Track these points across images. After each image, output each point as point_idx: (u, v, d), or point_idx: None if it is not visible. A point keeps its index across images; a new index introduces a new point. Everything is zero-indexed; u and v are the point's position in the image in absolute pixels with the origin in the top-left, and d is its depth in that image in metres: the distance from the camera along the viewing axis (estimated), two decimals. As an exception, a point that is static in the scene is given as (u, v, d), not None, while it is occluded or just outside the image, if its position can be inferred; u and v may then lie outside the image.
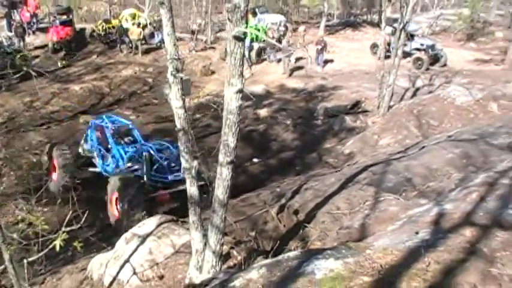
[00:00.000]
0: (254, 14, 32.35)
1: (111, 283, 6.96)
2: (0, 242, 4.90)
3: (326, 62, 27.71)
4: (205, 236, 5.98)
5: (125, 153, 12.28)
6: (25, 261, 5.18)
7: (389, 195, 8.51)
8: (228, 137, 4.89)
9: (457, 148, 10.30)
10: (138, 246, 7.21)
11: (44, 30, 29.86)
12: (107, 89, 23.72)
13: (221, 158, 5.05)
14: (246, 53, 26.05)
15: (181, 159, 5.70)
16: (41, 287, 7.87)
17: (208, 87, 23.98)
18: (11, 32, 28.39)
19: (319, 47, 26.62)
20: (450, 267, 3.84)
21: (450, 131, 13.19)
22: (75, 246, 5.07)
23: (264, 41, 25.68)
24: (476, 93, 16.86)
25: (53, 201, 10.58)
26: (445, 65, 27.36)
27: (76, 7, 35.89)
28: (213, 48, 30.44)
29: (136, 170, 11.61)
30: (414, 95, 20.46)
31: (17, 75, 14.10)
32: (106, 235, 10.04)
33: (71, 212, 5.09)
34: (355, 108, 19.19)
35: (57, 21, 28.73)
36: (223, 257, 6.12)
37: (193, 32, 30.97)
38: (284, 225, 8.73)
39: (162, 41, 29.88)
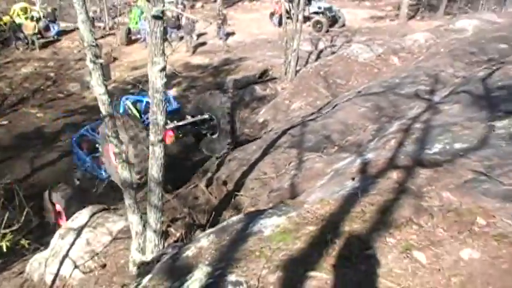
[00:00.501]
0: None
1: (53, 281, 6.85)
2: None
3: (228, 34, 27.78)
4: (142, 217, 6.04)
5: None
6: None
7: (312, 153, 8.85)
8: (157, 115, 4.95)
9: (367, 102, 10.79)
10: (75, 240, 7.13)
11: None
12: (8, 89, 22.60)
13: (152, 137, 5.11)
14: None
15: (111, 144, 5.69)
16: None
17: (113, 74, 23.48)
18: None
19: (219, 20, 26.64)
20: (385, 206, 4.14)
21: (358, 87, 13.73)
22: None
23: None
24: (377, 48, 17.57)
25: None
26: (343, 25, 28.23)
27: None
28: (113, 34, 29.72)
29: None
30: (318, 57, 20.97)
31: None
32: (36, 235, 9.78)
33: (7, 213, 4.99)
34: (263, 77, 19.40)
35: None
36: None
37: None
38: (215, 197, 8.90)
39: (58, 33, 28.92)
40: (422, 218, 3.89)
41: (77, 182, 12.10)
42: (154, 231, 5.73)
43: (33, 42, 27.11)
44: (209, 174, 9.93)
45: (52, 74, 24.47)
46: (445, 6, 30.51)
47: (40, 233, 10.16)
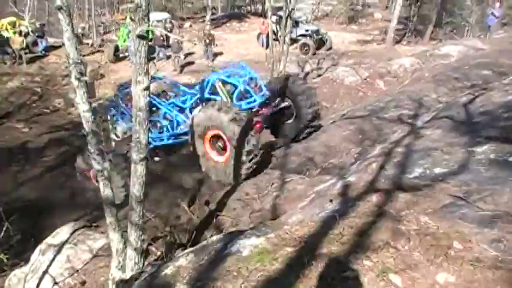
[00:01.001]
0: (133, 13, 31.92)
1: (32, 297, 6.81)
2: None
3: (215, 55, 27.97)
4: (123, 235, 6.02)
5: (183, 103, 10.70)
6: None
7: (295, 175, 8.90)
8: (140, 134, 4.96)
9: (352, 125, 10.90)
10: (55, 256, 7.09)
11: None
12: (-7, 103, 22.58)
13: (134, 155, 5.12)
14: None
15: (93, 162, 5.67)
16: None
17: (100, 91, 23.45)
18: None
19: (207, 40, 26.83)
20: (363, 229, 4.17)
21: (343, 110, 13.85)
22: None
23: (151, 40, 25.43)
24: (363, 72, 17.81)
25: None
26: (330, 48, 28.54)
27: None
28: (101, 51, 29.78)
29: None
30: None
31: None
32: (16, 251, 9.67)
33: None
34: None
35: None
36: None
37: (77, 37, 30.07)
38: (197, 217, 8.87)
39: (46, 48, 28.90)
40: (399, 241, 3.93)
41: (117, 138, 11.68)
42: (135, 249, 5.71)
43: (20, 57, 27.07)
44: (191, 194, 9.91)
45: (38, 89, 24.44)
46: (431, 31, 30.98)
47: (20, 249, 10.05)
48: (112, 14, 35.85)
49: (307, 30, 28.19)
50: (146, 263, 6.14)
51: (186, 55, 26.99)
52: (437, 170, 5.48)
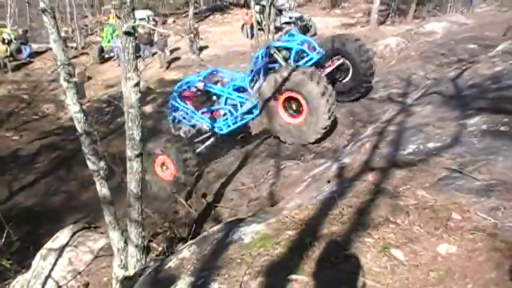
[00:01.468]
0: (119, 12, 31.77)
1: (36, 303, 6.81)
2: None
3: (201, 49, 27.90)
4: (123, 234, 6.03)
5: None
6: None
7: (289, 161, 8.92)
8: (133, 131, 4.96)
9: (342, 108, 10.91)
10: (56, 260, 7.08)
11: None
12: (-19, 113, 22.41)
13: (129, 152, 5.11)
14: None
15: (88, 162, 5.66)
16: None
17: (87, 94, 23.36)
18: None
19: (192, 35, 26.75)
20: (362, 207, 4.21)
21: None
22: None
23: (136, 38, 25.27)
24: (349, 55, 17.76)
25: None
26: (315, 34, 28.48)
27: None
28: (86, 53, 29.65)
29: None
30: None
31: None
32: (17, 258, 9.65)
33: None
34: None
35: None
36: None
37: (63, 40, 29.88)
38: (195, 210, 8.90)
39: (30, 55, 28.73)
40: (398, 216, 3.96)
41: (183, 135, 11.47)
42: (136, 246, 5.72)
43: (5, 65, 26.88)
44: (188, 188, 9.93)
45: (26, 96, 24.28)
46: (414, 10, 31.01)
47: (21, 256, 10.04)
48: (94, 16, 35.67)
49: (290, 18, 28.16)
50: (148, 259, 6.16)
51: (172, 51, 26.91)
52: (431, 145, 5.51)
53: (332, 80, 10.54)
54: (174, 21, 33.51)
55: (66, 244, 7.39)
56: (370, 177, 5.00)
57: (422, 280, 3.25)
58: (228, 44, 29.10)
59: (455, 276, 3.24)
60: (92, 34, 33.42)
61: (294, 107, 9.57)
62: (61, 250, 7.27)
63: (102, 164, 5.75)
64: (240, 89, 10.88)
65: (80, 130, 5.43)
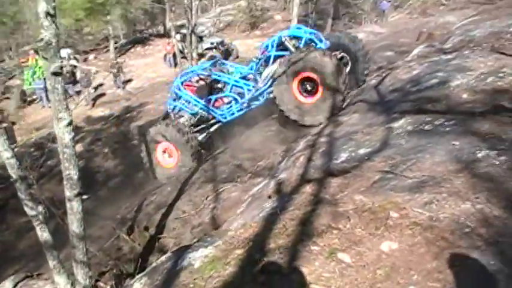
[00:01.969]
0: (37, 52, 31.13)
1: None
2: None
3: (125, 82, 27.69)
4: (69, 277, 5.90)
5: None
6: None
7: (227, 184, 8.99)
8: (70, 171, 4.91)
9: (272, 126, 11.11)
10: (-1, 313, 6.85)
11: None
12: None
13: (68, 192, 5.04)
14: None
15: (25, 207, 5.54)
16: None
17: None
18: None
19: (114, 70, 26.53)
20: (304, 218, 4.34)
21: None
22: None
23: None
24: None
25: None
26: (237, 57, 28.88)
27: None
28: (7, 98, 28.77)
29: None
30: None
31: None
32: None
33: None
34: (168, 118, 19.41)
35: None
36: (92, 292, 6.08)
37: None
38: (139, 244, 8.79)
39: None
40: (340, 222, 4.12)
41: (186, 123, 11.77)
42: (84, 287, 5.62)
43: None
44: (129, 223, 9.81)
45: None
46: (331, 25, 31.98)
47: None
48: (12, 59, 34.71)
49: (212, 43, 28.45)
50: (98, 299, 6.06)
51: (96, 87, 26.58)
52: (362, 151, 5.74)
53: None
54: (96, 57, 33.11)
55: (9, 296, 7.15)
56: (308, 188, 5.15)
57: (370, 279, 3.39)
58: (152, 75, 29.00)
59: (400, 270, 3.41)
60: (11, 78, 32.47)
61: (308, 87, 9.81)
62: (4, 303, 7.03)
63: (40, 208, 5.63)
64: (246, 77, 11.26)
65: (14, 176, 5.31)
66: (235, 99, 11.21)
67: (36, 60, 25.67)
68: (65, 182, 4.97)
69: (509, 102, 6.08)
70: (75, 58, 30.55)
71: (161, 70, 29.28)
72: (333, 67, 9.21)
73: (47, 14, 4.21)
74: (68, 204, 5.14)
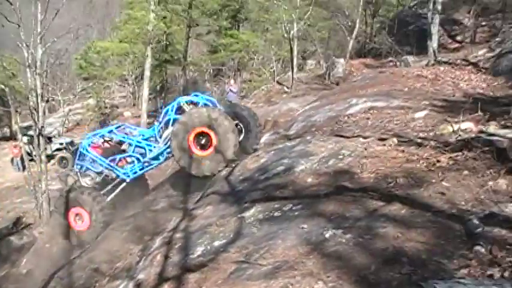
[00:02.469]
0: None
1: None
2: None
3: (-33, 190, 25.76)
4: None
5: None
6: None
7: (84, 293, 8.57)
8: None
9: (127, 225, 10.89)
10: None
11: None
12: None
13: None
14: None
15: None
16: None
17: None
18: None
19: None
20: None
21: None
22: None
23: None
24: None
25: None
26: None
27: None
28: None
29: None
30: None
31: None
32: None
33: None
34: (17, 226, 18.28)
35: None
36: None
37: None
38: None
39: None
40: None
41: (89, 183, 12.72)
42: None
43: None
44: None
45: None
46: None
47: None
48: None
49: (61, 144, 27.65)
50: None
51: None
52: (217, 243, 5.80)
53: None
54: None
55: None
56: (167, 287, 5.06)
57: None
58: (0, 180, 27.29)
59: None
60: None
61: (202, 141, 10.70)
62: None
63: None
64: (149, 139, 12.19)
65: None
66: (137, 159, 12.07)
67: None
68: None
69: (350, 182, 6.53)
70: None
71: (9, 174, 27.62)
72: (229, 125, 10.48)
73: None
74: None
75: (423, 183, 5.73)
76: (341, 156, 7.72)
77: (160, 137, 11.81)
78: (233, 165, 10.11)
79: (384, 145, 7.77)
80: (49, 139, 25.42)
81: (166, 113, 11.87)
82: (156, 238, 8.22)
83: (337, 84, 23.82)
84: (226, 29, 37.90)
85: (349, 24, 35.50)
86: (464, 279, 3.53)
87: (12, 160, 28.37)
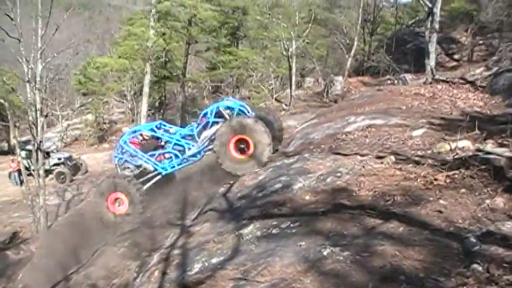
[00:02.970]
0: None
1: None
2: None
3: (-36, 205, 25.66)
4: None
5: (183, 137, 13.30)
6: None
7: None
8: None
9: (125, 241, 10.85)
10: None
11: None
12: None
13: None
14: None
15: None
16: None
17: None
18: None
19: None
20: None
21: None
22: None
23: None
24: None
25: None
26: (86, 171, 28.19)
27: None
28: None
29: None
30: (67, 208, 20.52)
31: None
32: None
33: None
34: (13, 241, 18.22)
35: None
36: None
37: None
38: None
39: None
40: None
41: (131, 173, 13.62)
42: None
43: None
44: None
45: None
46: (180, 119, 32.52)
47: None
48: None
49: (59, 159, 27.60)
50: None
51: None
52: (214, 260, 5.80)
53: None
54: None
55: None
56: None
57: None
58: (-5, 195, 27.21)
59: None
60: None
61: (242, 146, 11.84)
62: None
63: None
64: (186, 137, 13.31)
65: None
66: (176, 155, 13.27)
67: None
68: None
69: (348, 200, 6.54)
70: None
71: (7, 189, 27.55)
72: (264, 130, 11.50)
73: None
74: None
75: (421, 201, 5.75)
76: (339, 174, 7.74)
77: (199, 137, 13.04)
78: (231, 182, 10.13)
79: (382, 163, 7.80)
80: (47, 154, 25.40)
81: (205, 115, 13.08)
82: (154, 254, 8.21)
83: (335, 101, 23.93)
84: (225, 46, 38.22)
85: (348, 42, 35.72)
86: (461, 297, 3.54)
87: (9, 174, 28.31)
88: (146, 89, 28.42)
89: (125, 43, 34.34)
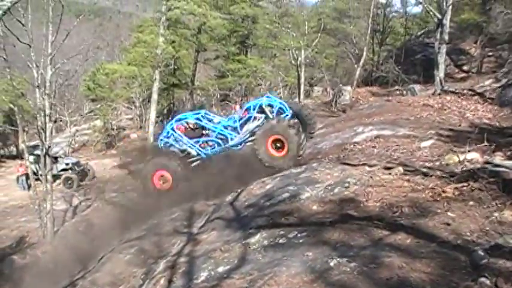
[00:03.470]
0: None
1: None
2: None
3: (-29, 209, 25.80)
4: None
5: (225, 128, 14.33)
6: None
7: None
8: None
9: (132, 248, 10.84)
10: None
11: None
12: None
13: None
14: None
15: None
16: None
17: None
18: None
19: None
20: None
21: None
22: None
23: None
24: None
25: None
26: (94, 177, 28.25)
27: None
28: None
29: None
30: (74, 213, 20.58)
31: None
32: None
33: None
34: (20, 245, 18.27)
35: None
36: None
37: None
38: None
39: None
40: None
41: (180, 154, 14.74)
42: None
43: None
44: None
45: None
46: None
47: None
48: None
49: (67, 164, 27.69)
50: None
51: None
52: (221, 269, 5.79)
53: None
54: None
55: None
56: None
57: None
58: (4, 199, 27.17)
59: None
60: None
61: (278, 144, 12.86)
62: None
63: None
64: (228, 128, 14.34)
65: None
66: (218, 143, 14.36)
67: None
68: None
69: (355, 211, 6.53)
70: None
71: (14, 193, 27.65)
72: (296, 133, 12.50)
73: None
74: None
75: (428, 213, 5.73)
76: (347, 184, 7.73)
77: (241, 129, 14.08)
78: (238, 190, 10.13)
79: (390, 174, 7.79)
80: (55, 159, 25.49)
81: (248, 109, 14.19)
82: (160, 262, 8.20)
83: (344, 111, 23.89)
84: (234, 55, 38.31)
85: (357, 52, 35.68)
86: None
87: (17, 179, 28.44)
88: (155, 96, 28.55)
89: (134, 50, 34.49)
